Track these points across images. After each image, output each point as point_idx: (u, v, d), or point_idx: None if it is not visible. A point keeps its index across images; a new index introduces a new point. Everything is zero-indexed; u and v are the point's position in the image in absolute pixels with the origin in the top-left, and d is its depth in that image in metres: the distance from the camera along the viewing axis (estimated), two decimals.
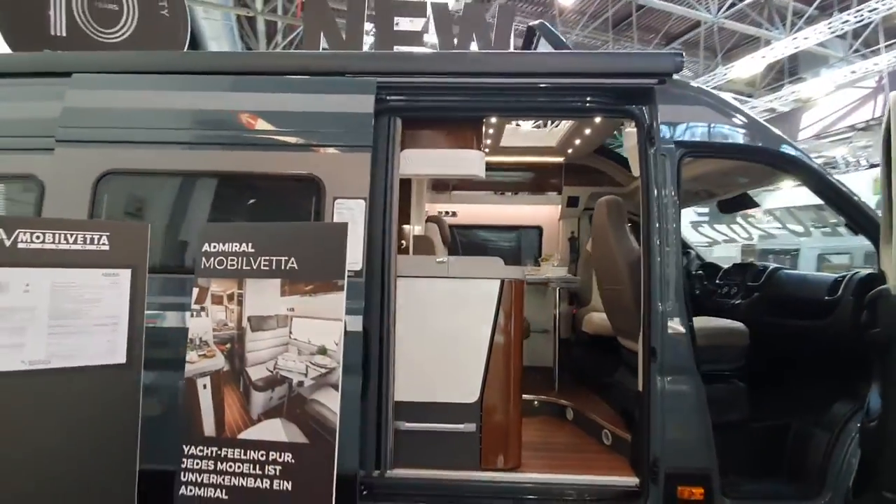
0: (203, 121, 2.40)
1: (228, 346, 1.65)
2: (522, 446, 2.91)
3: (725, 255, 13.36)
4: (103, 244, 1.69)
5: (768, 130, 2.58)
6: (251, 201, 2.48)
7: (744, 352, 2.84)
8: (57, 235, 1.64)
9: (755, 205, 3.63)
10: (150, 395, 1.90)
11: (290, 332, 1.62)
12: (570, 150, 4.32)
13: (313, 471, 1.55)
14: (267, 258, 1.67)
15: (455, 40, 2.92)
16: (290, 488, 1.55)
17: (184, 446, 1.63)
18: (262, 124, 2.39)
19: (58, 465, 1.54)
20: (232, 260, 1.70)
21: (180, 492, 1.60)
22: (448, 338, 2.59)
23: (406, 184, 3.66)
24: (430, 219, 3.62)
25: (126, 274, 1.71)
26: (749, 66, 11.12)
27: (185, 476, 1.61)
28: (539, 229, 4.77)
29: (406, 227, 3.71)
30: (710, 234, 14.52)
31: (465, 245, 4.86)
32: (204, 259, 1.72)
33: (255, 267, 1.67)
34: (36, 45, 2.92)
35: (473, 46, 3.04)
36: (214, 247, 1.71)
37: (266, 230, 1.76)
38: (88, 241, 1.67)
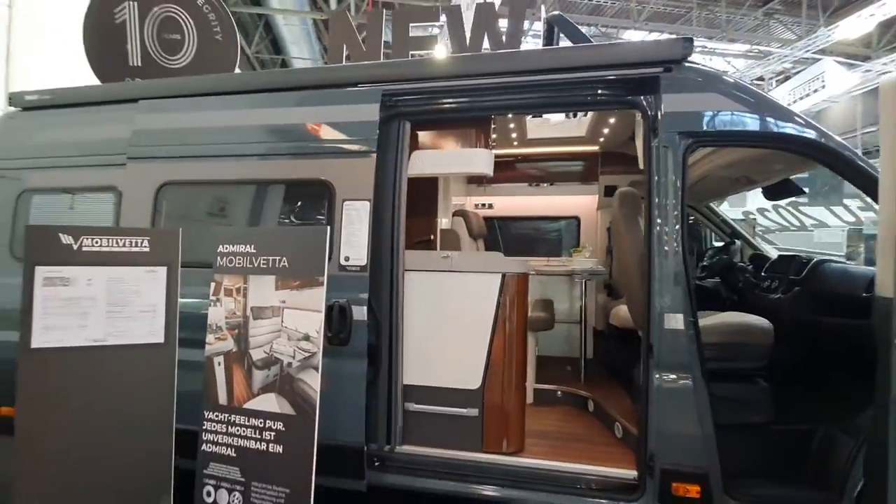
0: (233, 136, 2.76)
1: (236, 331, 1.97)
2: (537, 434, 3.03)
3: (829, 240, 11.97)
4: (145, 247, 2.08)
5: (789, 115, 2.42)
6: (277, 204, 2.81)
7: (766, 350, 2.70)
8: (110, 240, 2.06)
9: (800, 192, 3.35)
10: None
11: (282, 321, 1.90)
12: (601, 139, 4.23)
13: (299, 438, 1.83)
14: (265, 258, 1.97)
15: (467, 41, 3.03)
16: (281, 451, 1.84)
17: (205, 411, 1.99)
18: (283, 136, 2.71)
19: (111, 423, 1.96)
20: (239, 259, 2.02)
21: (202, 448, 1.97)
22: (453, 327, 2.76)
23: (433, 181, 3.85)
24: (456, 213, 3.78)
25: (163, 270, 2.09)
26: (856, 25, 9.74)
27: (205, 436, 1.97)
28: (577, 220, 4.73)
29: (442, 219, 3.91)
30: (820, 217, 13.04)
31: (506, 237, 4.96)
32: (219, 258, 2.06)
33: (256, 265, 1.97)
34: (118, 75, 3.51)
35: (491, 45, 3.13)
36: (226, 248, 2.04)
37: (264, 233, 2.06)
38: (133, 245, 2.07)
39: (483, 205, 4.74)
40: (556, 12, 3.23)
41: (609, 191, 4.46)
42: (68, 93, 3.16)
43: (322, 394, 2.54)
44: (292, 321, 1.88)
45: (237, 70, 4.02)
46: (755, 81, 18.52)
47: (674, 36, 2.48)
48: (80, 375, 1.97)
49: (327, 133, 2.66)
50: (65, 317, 1.97)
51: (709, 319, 3.14)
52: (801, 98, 12.58)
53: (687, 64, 2.46)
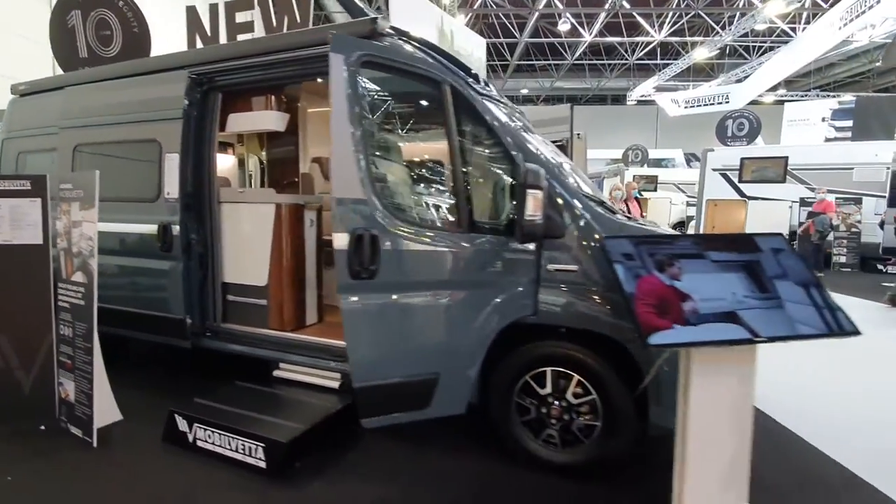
0: (108, 110, 4.00)
1: (67, 235, 3.29)
2: (333, 325, 4.10)
3: (872, 179, 10.75)
4: (27, 186, 3.44)
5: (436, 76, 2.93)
6: (135, 155, 3.99)
7: None
8: (10, 182, 3.45)
9: None
10: None
11: (82, 229, 3.17)
12: None
13: (87, 296, 3.13)
14: (76, 191, 3.22)
15: (274, 23, 3.90)
16: (83, 304, 3.17)
17: (58, 283, 3.38)
18: (134, 108, 3.89)
19: (20, 286, 3.41)
20: (67, 193, 3.30)
21: (57, 304, 3.37)
22: (250, 242, 3.87)
23: (294, 136, 4.86)
24: (313, 160, 4.76)
25: (38, 201, 3.45)
26: None
27: (59, 295, 3.37)
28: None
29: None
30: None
31: None
32: (60, 191, 3.36)
33: (72, 196, 3.24)
34: (74, 66, 4.89)
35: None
36: (62, 185, 3.33)
37: (73, 176, 3.32)
38: (21, 185, 3.44)
39: None
40: None
41: None
42: (35, 84, 4.62)
43: (153, 284, 3.86)
44: (86, 229, 3.14)
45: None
46: None
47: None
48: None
49: (157, 105, 3.79)
50: None
51: None
52: (856, 17, 10.91)
53: (388, 38, 3.13)
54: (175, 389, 3.97)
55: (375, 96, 2.32)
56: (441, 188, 2.54)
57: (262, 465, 2.81)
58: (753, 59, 20.40)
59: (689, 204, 16.11)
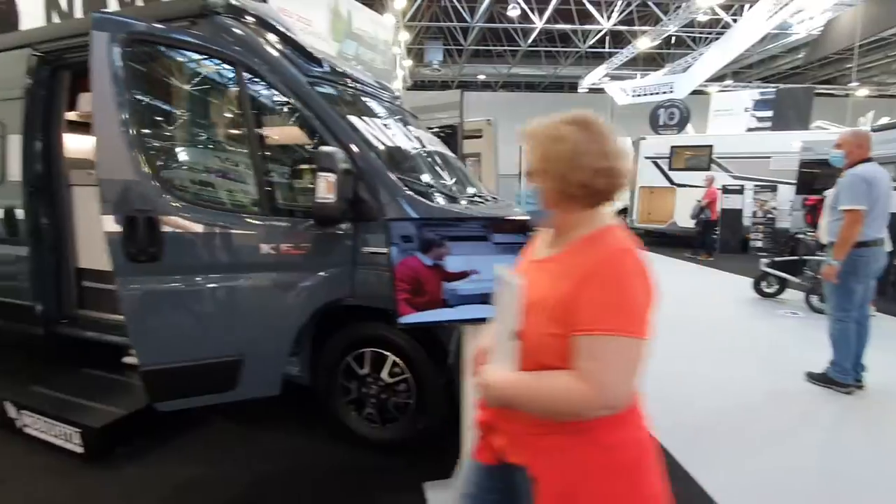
0: None
1: None
2: None
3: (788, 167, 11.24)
4: None
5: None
6: None
7: None
8: None
9: None
10: None
11: None
12: None
13: None
14: None
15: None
16: None
17: None
18: None
19: None
20: None
21: None
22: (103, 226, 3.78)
23: None
24: None
25: None
26: None
27: None
28: None
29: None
30: None
31: None
32: None
33: None
34: None
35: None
36: None
37: None
38: None
39: None
40: None
41: None
42: None
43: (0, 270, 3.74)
44: None
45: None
46: None
47: None
48: None
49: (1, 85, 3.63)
50: None
51: None
52: (781, 8, 11.27)
53: (219, 17, 3.03)
54: (41, 378, 3.88)
55: (151, 75, 2.30)
56: (238, 170, 2.54)
57: (80, 450, 2.81)
58: (697, 50, 20.86)
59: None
